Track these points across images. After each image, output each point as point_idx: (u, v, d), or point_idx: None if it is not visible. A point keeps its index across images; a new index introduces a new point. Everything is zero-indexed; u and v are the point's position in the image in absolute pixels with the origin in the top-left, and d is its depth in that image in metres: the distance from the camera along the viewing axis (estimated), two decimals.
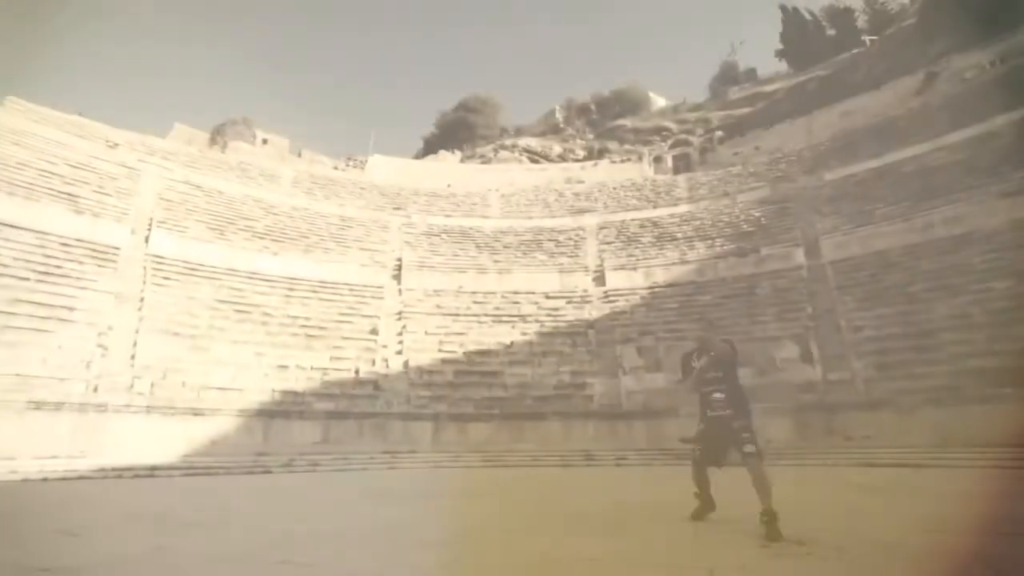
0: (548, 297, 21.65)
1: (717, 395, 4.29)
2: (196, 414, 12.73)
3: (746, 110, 37.77)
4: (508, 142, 41.08)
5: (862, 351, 14.98)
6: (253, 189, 24.28)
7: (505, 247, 24.92)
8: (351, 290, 20.28)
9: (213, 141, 29.56)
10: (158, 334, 14.60)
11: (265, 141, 32.54)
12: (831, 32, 43.12)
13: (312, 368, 15.81)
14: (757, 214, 23.74)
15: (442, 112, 50.96)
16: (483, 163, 37.27)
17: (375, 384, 16.05)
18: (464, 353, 18.00)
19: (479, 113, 47.68)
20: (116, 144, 21.78)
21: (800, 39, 43.59)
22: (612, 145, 38.62)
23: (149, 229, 18.32)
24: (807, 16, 44.41)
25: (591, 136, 42.01)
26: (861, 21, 42.84)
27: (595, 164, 34.72)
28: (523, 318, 20.23)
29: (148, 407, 12.29)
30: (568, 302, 21.30)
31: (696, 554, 3.36)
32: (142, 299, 15.51)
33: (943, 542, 3.58)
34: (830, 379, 14.87)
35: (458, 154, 41.04)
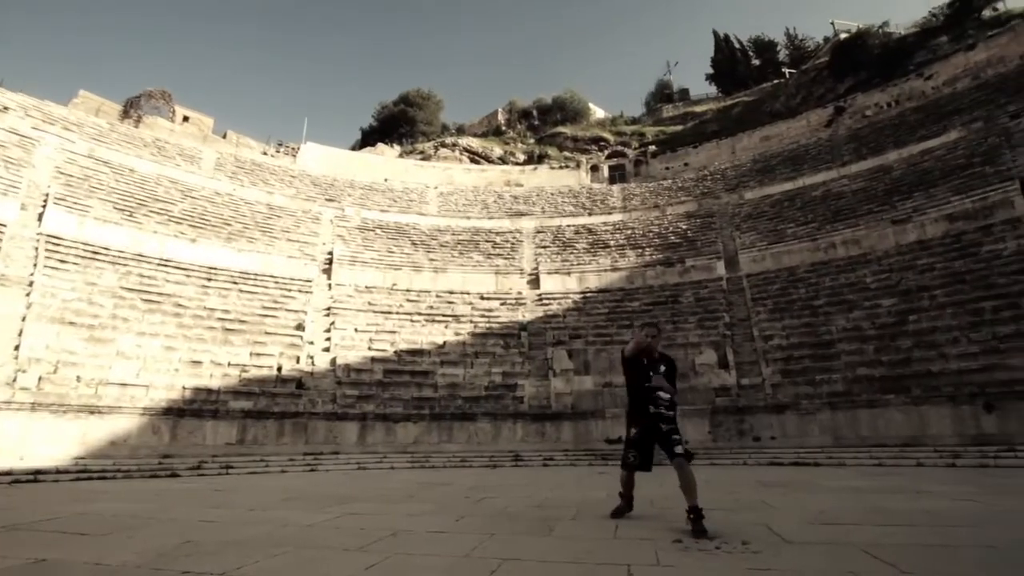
0: (483, 298, 21.69)
1: (663, 393, 4.40)
2: (92, 412, 11.56)
3: (678, 127, 39.81)
4: (449, 140, 40.70)
5: (771, 358, 16.21)
6: (170, 169, 22.53)
7: (441, 246, 24.70)
8: (276, 283, 19.29)
9: (125, 114, 27.00)
10: (49, 323, 13.15)
11: (186, 119, 30.18)
12: (756, 62, 46.53)
13: (230, 364, 14.87)
14: (684, 227, 25.08)
15: (382, 104, 49.48)
16: (423, 159, 36.69)
17: (299, 382, 15.35)
18: (395, 352, 17.63)
19: (421, 108, 46.72)
20: (5, 108, 19.42)
21: (729, 65, 46.67)
22: (551, 151, 39.34)
23: (44, 206, 16.49)
24: (736, 45, 47.63)
25: (532, 140, 42.54)
26: (782, 55, 46.56)
27: (534, 168, 35.22)
28: (457, 318, 20.12)
29: (34, 404, 11.02)
30: (502, 303, 21.44)
31: (615, 552, 3.49)
32: (31, 283, 13.92)
33: (835, 533, 3.95)
34: (743, 384, 15.97)
35: (397, 148, 40.14)
